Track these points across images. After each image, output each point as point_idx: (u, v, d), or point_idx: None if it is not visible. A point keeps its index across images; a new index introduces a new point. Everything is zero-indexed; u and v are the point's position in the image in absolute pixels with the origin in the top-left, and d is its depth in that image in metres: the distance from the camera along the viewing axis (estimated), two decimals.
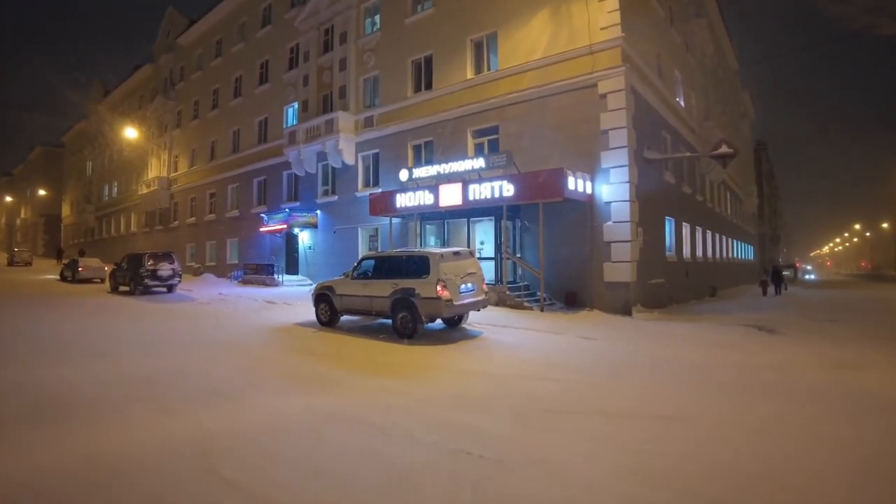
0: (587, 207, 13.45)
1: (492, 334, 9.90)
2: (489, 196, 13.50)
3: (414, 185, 16.01)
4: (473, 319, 10.88)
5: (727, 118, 28.12)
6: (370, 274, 10.64)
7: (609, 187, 13.12)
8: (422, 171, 15.73)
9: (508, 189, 13.09)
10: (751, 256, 38.46)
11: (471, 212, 14.51)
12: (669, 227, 16.68)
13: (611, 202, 13.05)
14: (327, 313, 11.20)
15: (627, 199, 12.83)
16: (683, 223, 18.29)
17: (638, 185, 13.30)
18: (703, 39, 21.75)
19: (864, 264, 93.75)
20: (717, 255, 24.00)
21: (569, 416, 4.95)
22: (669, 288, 15.85)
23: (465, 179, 14.40)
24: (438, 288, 9.12)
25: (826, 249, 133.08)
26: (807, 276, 61.10)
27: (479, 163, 14.05)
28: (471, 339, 9.47)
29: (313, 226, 23.21)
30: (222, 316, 12.78)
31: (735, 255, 30.25)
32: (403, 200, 15.92)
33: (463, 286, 9.65)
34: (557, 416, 4.96)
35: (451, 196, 14.47)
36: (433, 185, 15.22)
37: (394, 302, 9.72)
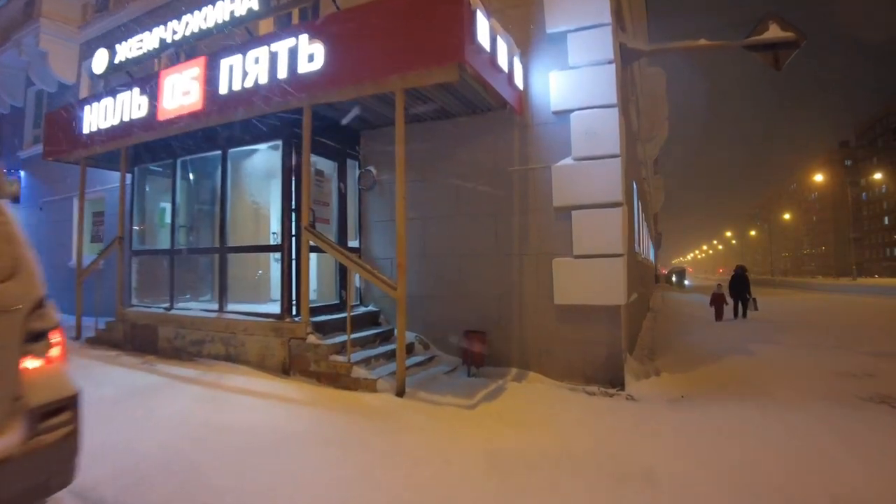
0: (514, 126, 5.61)
1: None
2: (267, 81, 5.03)
3: (120, 79, 7.00)
4: None
5: None
6: None
7: (565, 77, 5.38)
8: (132, 47, 6.73)
9: (311, 54, 4.73)
10: (653, 258, 34.73)
11: (230, 133, 5.82)
12: (635, 199, 9.59)
13: (570, 111, 5.30)
14: None
15: (612, 102, 5.20)
16: (637, 200, 11.47)
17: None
18: None
19: (721, 270, 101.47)
20: (644, 252, 18.12)
21: None
22: (636, 305, 8.71)
23: (214, 52, 5.75)
24: None
25: (690, 257, 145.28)
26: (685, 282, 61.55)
27: (250, 1, 5.50)
28: None
29: (13, 198, 12.79)
30: None
31: (650, 255, 25.52)
32: (96, 118, 6.79)
33: None
34: None
35: (181, 94, 5.72)
36: (152, 75, 6.34)
37: None
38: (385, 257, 6.20)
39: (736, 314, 13.38)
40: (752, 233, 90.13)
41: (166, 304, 6.40)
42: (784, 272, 75.25)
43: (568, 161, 5.25)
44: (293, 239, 5.21)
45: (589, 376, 5.12)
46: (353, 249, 6.25)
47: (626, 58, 6.92)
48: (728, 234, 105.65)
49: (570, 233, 5.19)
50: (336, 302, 5.95)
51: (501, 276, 5.58)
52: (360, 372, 4.57)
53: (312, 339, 4.87)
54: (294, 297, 5.16)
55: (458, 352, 5.59)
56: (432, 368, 5.27)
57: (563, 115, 5.33)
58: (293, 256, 5.18)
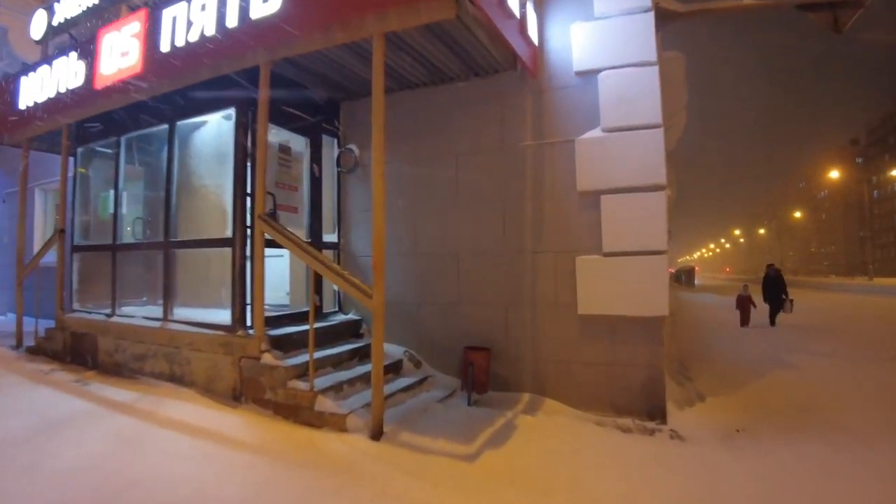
0: (527, 91, 4.53)
1: None
2: (214, 32, 3.98)
3: (63, 44, 5.99)
4: None
5: None
6: None
7: (591, 30, 4.30)
8: (71, 4, 5.71)
9: None
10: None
11: (176, 102, 4.76)
12: None
13: (598, 71, 4.22)
14: None
15: (651, 59, 4.12)
16: None
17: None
18: None
19: (729, 269, 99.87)
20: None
21: None
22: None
23: (155, 3, 4.70)
24: None
25: (696, 255, 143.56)
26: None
27: None
28: None
29: None
30: None
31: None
32: (33, 91, 5.78)
33: None
34: None
35: (119, 55, 4.70)
36: (90, 37, 5.30)
37: None
38: (370, 255, 5.14)
39: (771, 319, 11.88)
40: (762, 231, 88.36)
41: (108, 310, 5.35)
42: (794, 271, 73.74)
43: (596, 133, 4.17)
44: (248, 231, 4.14)
45: (620, 405, 4.05)
46: (329, 244, 5.19)
47: (658, 21, 5.82)
48: (736, 232, 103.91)
49: (598, 224, 4.11)
50: (302, 308, 4.88)
51: (510, 279, 4.51)
52: (325, 404, 3.50)
53: (268, 358, 3.80)
54: (246, 298, 4.09)
55: (457, 371, 4.53)
56: (423, 394, 4.20)
57: (589, 76, 4.24)
58: (247, 253, 4.10)
